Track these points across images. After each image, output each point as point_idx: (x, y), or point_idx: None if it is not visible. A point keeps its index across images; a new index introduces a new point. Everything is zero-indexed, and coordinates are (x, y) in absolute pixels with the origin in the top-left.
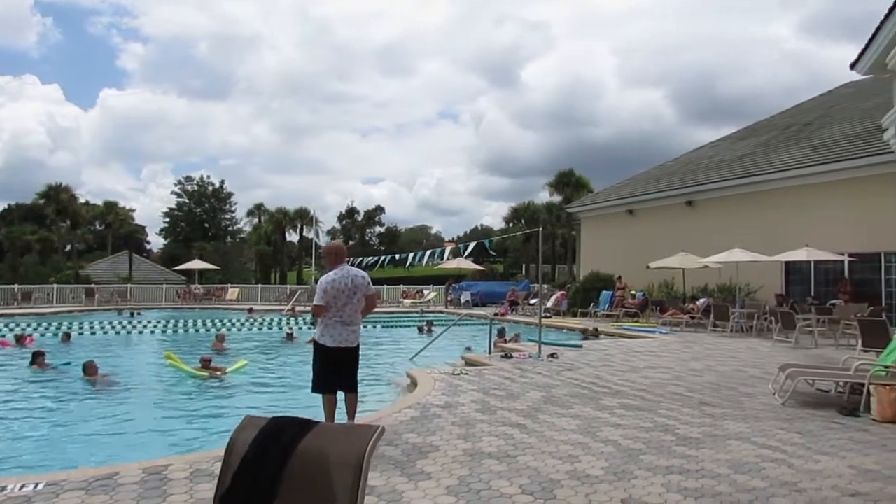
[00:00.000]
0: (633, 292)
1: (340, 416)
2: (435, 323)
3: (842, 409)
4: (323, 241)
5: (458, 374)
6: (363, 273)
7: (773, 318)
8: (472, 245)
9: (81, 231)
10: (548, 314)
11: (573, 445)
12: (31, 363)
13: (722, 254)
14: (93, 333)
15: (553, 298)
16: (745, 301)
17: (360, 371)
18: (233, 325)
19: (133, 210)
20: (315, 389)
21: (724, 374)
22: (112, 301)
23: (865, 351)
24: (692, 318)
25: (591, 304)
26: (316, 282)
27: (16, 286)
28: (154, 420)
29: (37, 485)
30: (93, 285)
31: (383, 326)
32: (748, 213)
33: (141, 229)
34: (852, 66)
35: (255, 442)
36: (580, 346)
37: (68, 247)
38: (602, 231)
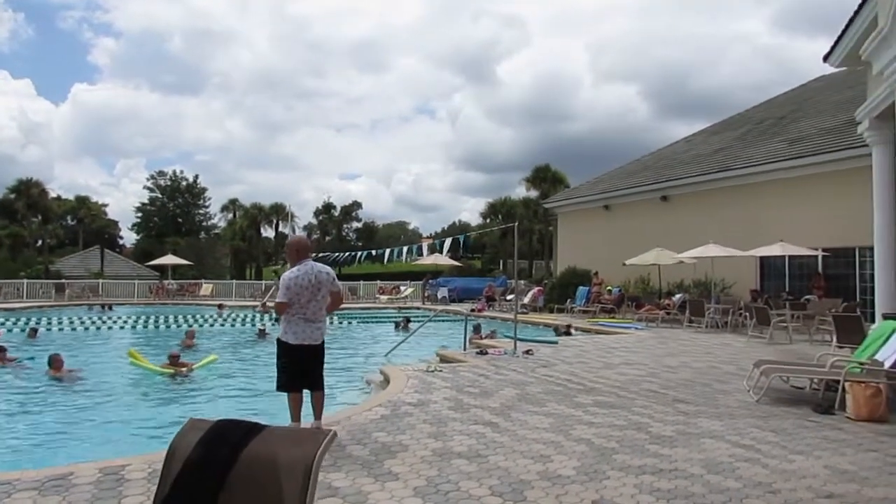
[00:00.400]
0: (609, 288)
1: (307, 415)
2: (412, 319)
3: (817, 406)
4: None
5: (433, 371)
6: (328, 269)
7: (748, 314)
8: (448, 241)
9: (52, 226)
10: (524, 310)
11: (545, 444)
12: None
13: (697, 249)
14: (61, 329)
15: (530, 294)
16: (720, 297)
17: (333, 368)
18: (205, 321)
19: (106, 205)
20: (280, 388)
21: (699, 370)
22: (83, 296)
23: (840, 347)
24: (668, 313)
25: (568, 300)
26: (279, 278)
27: None
28: (115, 418)
29: None
30: (63, 280)
31: (359, 322)
32: (723, 208)
33: (113, 224)
34: (825, 58)
35: (199, 446)
36: (556, 343)
37: (39, 242)
38: (579, 226)
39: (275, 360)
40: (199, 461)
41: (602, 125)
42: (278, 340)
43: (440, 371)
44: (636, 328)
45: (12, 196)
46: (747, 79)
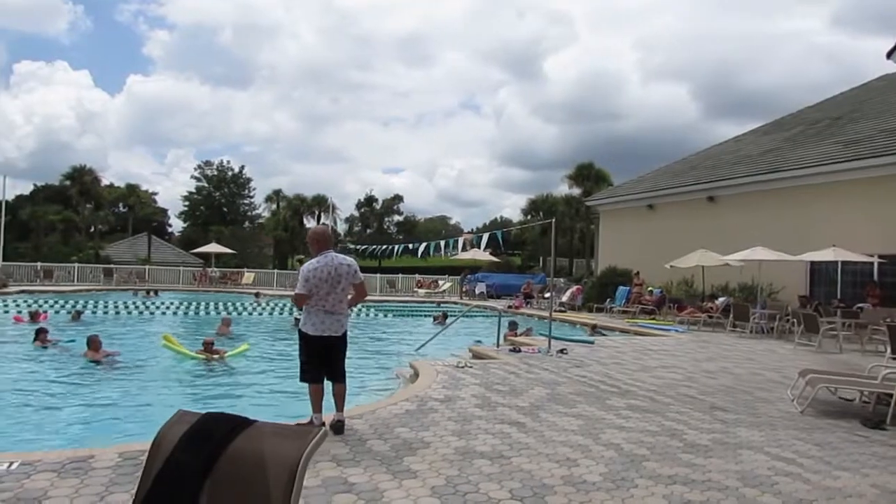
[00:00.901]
0: (650, 289)
1: (330, 408)
2: (449, 314)
3: (866, 420)
4: (341, 228)
5: (463, 367)
6: (350, 260)
7: (795, 321)
8: (485, 236)
9: (104, 213)
10: (562, 308)
11: (572, 448)
12: (34, 339)
13: (744, 252)
14: (106, 313)
15: (569, 293)
16: (766, 301)
17: (364, 360)
18: (244, 308)
19: (155, 194)
20: (302, 378)
21: (740, 376)
22: (130, 281)
23: (894, 358)
24: (710, 317)
25: (607, 300)
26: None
27: (38, 264)
28: (145, 402)
29: (11, 464)
30: (111, 265)
31: (395, 315)
32: (772, 211)
33: (161, 212)
34: (889, 55)
35: (184, 440)
36: (592, 343)
37: (92, 228)
38: (621, 225)
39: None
40: (182, 456)
41: (648, 124)
42: (299, 332)
43: (470, 367)
44: (676, 331)
45: (67, 183)
46: (802, 78)
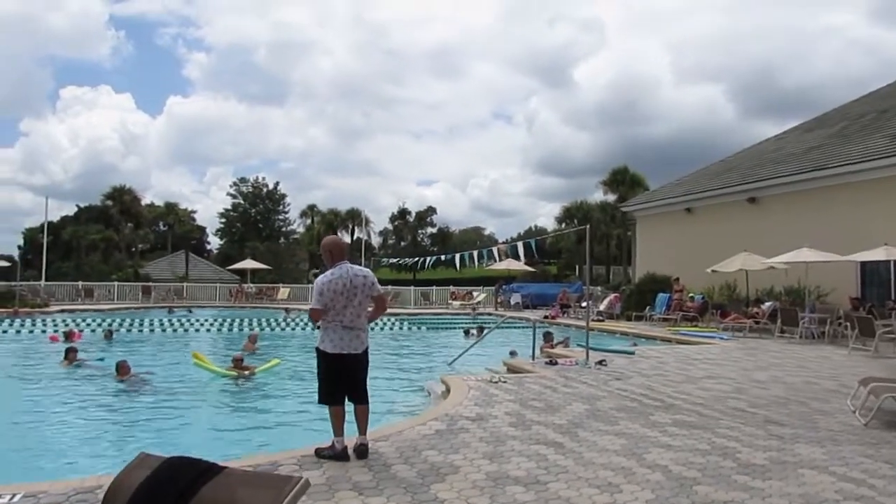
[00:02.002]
0: (691, 295)
1: (351, 428)
2: (482, 327)
3: None
4: (375, 241)
5: (496, 382)
6: (366, 271)
7: (848, 324)
8: (519, 245)
9: (143, 231)
10: (600, 317)
11: (615, 471)
12: (64, 359)
13: (789, 254)
14: (140, 331)
15: (606, 301)
16: (815, 305)
17: (394, 375)
18: (277, 324)
19: (194, 212)
20: (321, 400)
21: (794, 386)
22: (168, 299)
23: None
24: (756, 322)
25: (647, 308)
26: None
27: (80, 283)
28: (170, 426)
29: (13, 496)
30: (150, 283)
31: (429, 328)
32: (818, 210)
33: (198, 229)
34: None
35: (143, 489)
36: (632, 353)
37: (138, 246)
38: (658, 230)
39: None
40: None
41: (683, 126)
42: (317, 350)
43: (504, 382)
44: (721, 338)
45: (109, 203)
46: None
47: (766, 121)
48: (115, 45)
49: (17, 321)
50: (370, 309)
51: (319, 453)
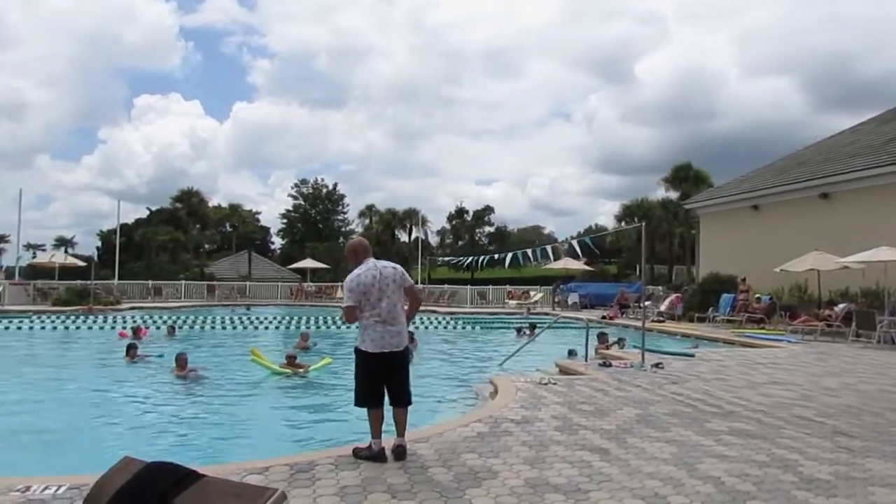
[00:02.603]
0: (758, 296)
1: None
2: (536, 325)
3: None
4: (432, 240)
5: (546, 384)
6: (393, 264)
7: None
8: (574, 243)
9: (210, 232)
10: (660, 318)
11: (663, 481)
12: (126, 354)
13: (866, 252)
14: (202, 328)
15: (667, 301)
16: (895, 307)
17: (443, 375)
18: (334, 322)
19: (258, 213)
20: (358, 403)
21: (868, 394)
22: (231, 297)
23: None
24: (829, 325)
25: (710, 309)
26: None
27: (149, 282)
28: (221, 420)
29: (59, 487)
30: (214, 282)
31: (483, 327)
32: None
33: (260, 230)
34: None
35: (121, 494)
36: (692, 356)
37: (204, 247)
38: (723, 228)
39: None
40: None
41: (750, 121)
42: (356, 350)
43: (554, 384)
44: (789, 341)
45: (178, 205)
46: None
47: (838, 113)
48: (184, 54)
49: (91, 318)
50: (406, 307)
51: (357, 453)
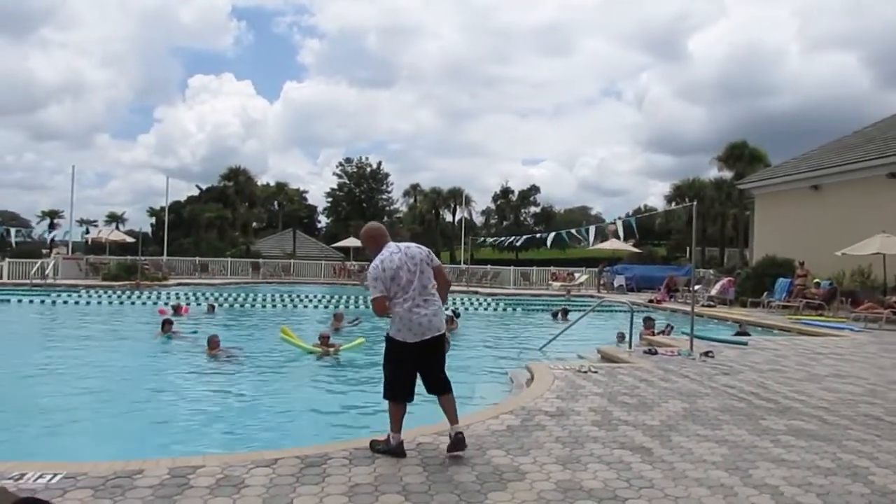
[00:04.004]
0: (816, 280)
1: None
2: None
3: None
4: (477, 220)
5: (586, 372)
6: (416, 244)
7: None
8: (619, 224)
9: (257, 210)
10: (711, 303)
11: (711, 489)
12: (161, 329)
13: None
14: (242, 306)
15: (718, 285)
16: None
17: (479, 361)
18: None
19: (306, 192)
20: (388, 396)
21: None
22: (276, 274)
23: None
24: (895, 313)
25: (765, 294)
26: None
27: (196, 259)
28: (245, 403)
29: (53, 476)
30: (258, 260)
31: (525, 310)
32: None
33: (304, 208)
34: None
35: None
36: (745, 344)
37: (252, 225)
38: (780, 210)
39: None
40: None
41: (810, 98)
42: (389, 339)
43: (595, 372)
44: (851, 329)
45: (229, 183)
46: None
47: None
48: (237, 35)
49: (137, 293)
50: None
51: (374, 447)
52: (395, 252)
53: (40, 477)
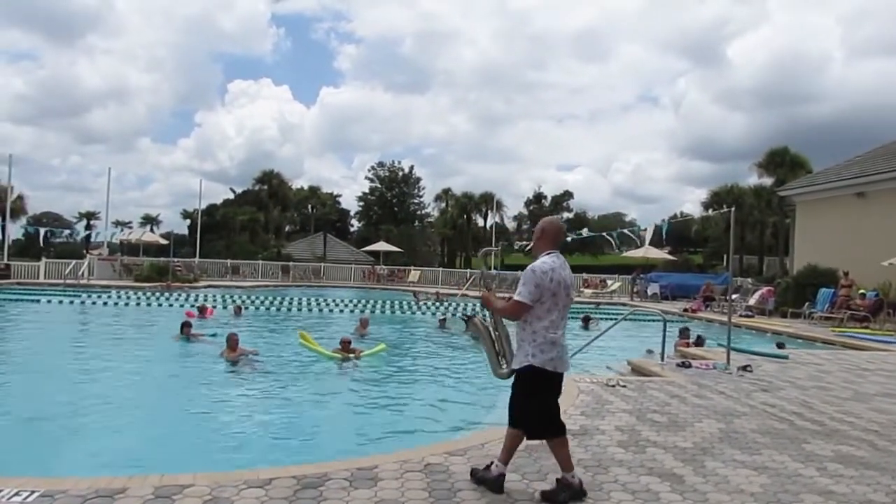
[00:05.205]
0: (861, 291)
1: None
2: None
3: None
4: (509, 226)
5: (614, 386)
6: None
7: None
8: (649, 230)
9: (290, 213)
10: (749, 313)
11: None
12: (180, 332)
13: None
14: (268, 309)
15: (757, 295)
16: None
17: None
18: (409, 307)
19: (339, 196)
20: (537, 434)
21: None
22: (306, 278)
23: None
24: None
25: (806, 304)
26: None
27: (228, 261)
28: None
29: (31, 494)
30: (289, 263)
31: None
32: None
33: (336, 212)
34: None
35: None
36: (786, 358)
37: (285, 228)
38: (822, 218)
39: (450, 351)
40: None
41: (854, 105)
42: (529, 368)
43: (623, 387)
44: None
45: (263, 186)
46: None
47: None
48: (275, 41)
49: (167, 295)
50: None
51: (474, 475)
52: (563, 266)
53: (16, 494)
